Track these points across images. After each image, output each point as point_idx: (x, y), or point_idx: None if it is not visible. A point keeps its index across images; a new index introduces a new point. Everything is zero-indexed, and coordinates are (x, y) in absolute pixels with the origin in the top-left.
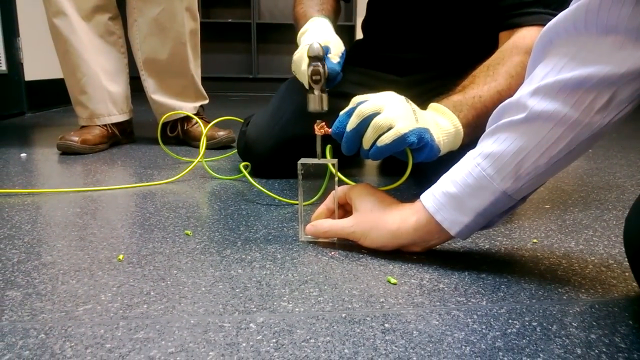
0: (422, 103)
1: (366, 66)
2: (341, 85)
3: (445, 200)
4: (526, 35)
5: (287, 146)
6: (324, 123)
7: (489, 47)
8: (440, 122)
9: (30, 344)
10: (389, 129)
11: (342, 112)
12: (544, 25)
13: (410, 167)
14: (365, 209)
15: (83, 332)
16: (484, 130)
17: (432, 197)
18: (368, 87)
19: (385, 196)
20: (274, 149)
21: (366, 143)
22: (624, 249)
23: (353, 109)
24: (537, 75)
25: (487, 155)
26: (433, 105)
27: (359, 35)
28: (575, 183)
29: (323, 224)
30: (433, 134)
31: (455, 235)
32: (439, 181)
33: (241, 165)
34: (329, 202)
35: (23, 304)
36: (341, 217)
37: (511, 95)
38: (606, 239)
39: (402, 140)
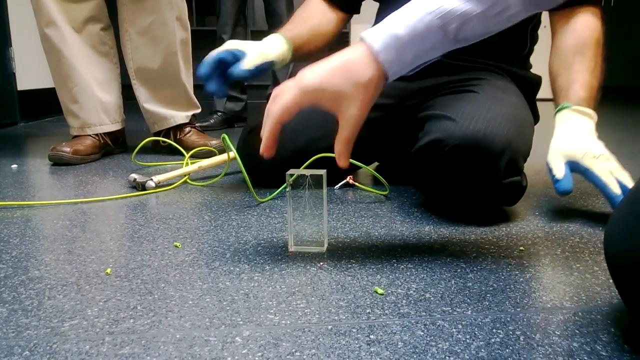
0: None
1: None
2: None
3: (390, 41)
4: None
5: (294, 157)
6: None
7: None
8: (590, 127)
9: None
10: None
11: None
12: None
13: None
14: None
15: (68, 348)
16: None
17: (378, 35)
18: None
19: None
20: (281, 160)
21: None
22: None
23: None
24: None
25: (445, 10)
26: (581, 110)
27: (354, 41)
28: None
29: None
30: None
31: (387, 73)
32: (384, 22)
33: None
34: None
35: (8, 321)
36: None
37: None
38: (592, 246)
39: None
